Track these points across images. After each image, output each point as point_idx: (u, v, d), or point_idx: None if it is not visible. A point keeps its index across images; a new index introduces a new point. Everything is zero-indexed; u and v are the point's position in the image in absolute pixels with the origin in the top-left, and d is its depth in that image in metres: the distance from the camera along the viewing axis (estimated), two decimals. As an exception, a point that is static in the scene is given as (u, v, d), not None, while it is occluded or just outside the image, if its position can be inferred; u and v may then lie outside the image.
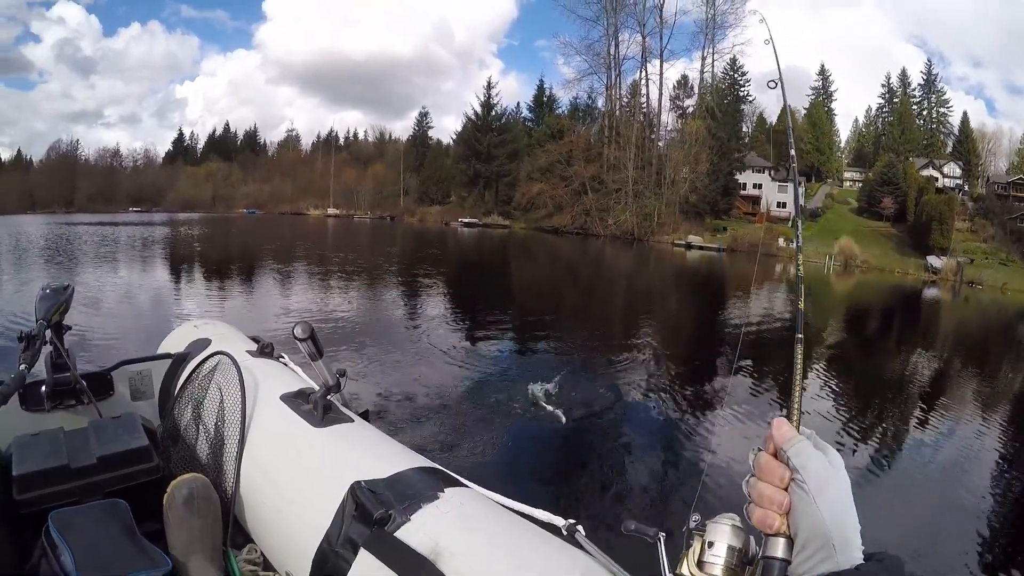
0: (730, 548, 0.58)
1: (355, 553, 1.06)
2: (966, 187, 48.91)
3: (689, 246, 38.63)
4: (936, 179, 46.16)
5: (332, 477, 1.21)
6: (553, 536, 1.07)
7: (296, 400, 1.49)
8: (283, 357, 1.94)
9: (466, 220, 43.86)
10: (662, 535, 0.92)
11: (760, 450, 0.53)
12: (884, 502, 4.21)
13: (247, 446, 1.38)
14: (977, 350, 13.40)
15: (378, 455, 1.31)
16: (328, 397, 1.47)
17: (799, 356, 0.57)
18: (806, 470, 0.49)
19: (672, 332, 10.73)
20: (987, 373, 10.25)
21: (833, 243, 39.37)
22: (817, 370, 8.36)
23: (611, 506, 3.48)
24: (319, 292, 10.60)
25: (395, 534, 1.03)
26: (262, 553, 1.35)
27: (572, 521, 1.10)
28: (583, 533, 1.06)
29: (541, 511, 1.17)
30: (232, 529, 1.33)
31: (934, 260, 38.11)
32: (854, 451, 5.15)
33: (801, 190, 44.03)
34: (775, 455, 0.52)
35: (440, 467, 1.30)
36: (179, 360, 1.96)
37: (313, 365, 1.53)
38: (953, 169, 48.75)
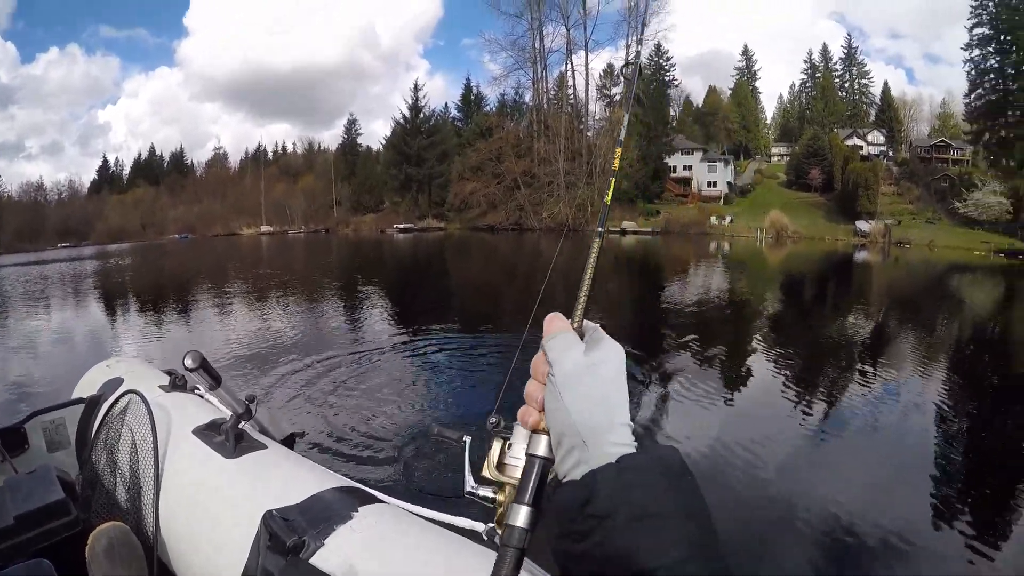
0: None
1: None
2: (890, 153, 50.61)
3: (624, 232, 38.75)
4: (861, 147, 47.80)
5: (246, 508, 1.19)
6: (471, 543, 1.08)
7: (208, 432, 1.46)
8: (198, 389, 1.86)
9: (401, 226, 42.97)
10: (467, 439, 0.91)
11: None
12: (834, 458, 4.25)
13: (163, 486, 1.35)
14: (911, 306, 13.48)
15: (292, 480, 1.29)
16: (241, 425, 1.44)
17: (595, 249, 0.55)
18: (556, 363, 0.47)
19: (607, 314, 10.20)
20: (922, 326, 10.29)
21: (764, 217, 40.20)
22: (758, 338, 8.36)
23: None
24: (251, 314, 9.91)
25: (310, 561, 1.03)
26: None
27: (492, 525, 0.85)
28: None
29: (462, 519, 1.18)
30: (157, 573, 1.29)
31: (862, 224, 39.32)
32: (804, 413, 5.06)
33: (730, 168, 45.34)
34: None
35: (357, 485, 1.30)
36: (92, 404, 1.90)
37: (214, 395, 1.47)
38: (877, 137, 50.42)
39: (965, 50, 41.18)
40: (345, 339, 7.61)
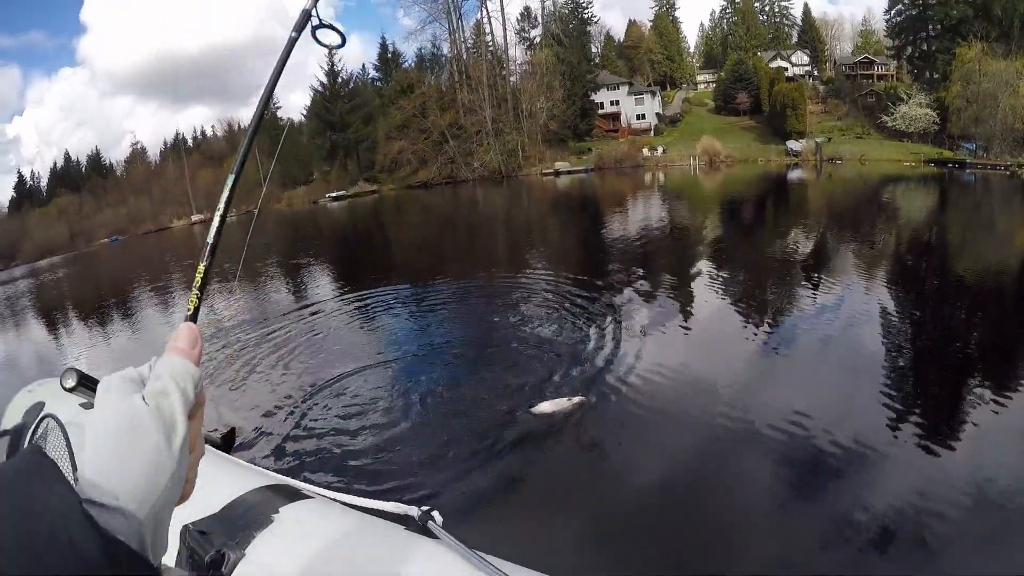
0: None
1: None
2: (815, 72, 51.33)
3: (558, 173, 38.75)
4: (786, 69, 48.32)
5: None
6: (402, 529, 1.06)
7: None
8: None
9: (333, 194, 41.87)
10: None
11: None
12: (789, 370, 4.32)
13: None
14: (849, 219, 13.92)
15: (213, 486, 1.20)
16: None
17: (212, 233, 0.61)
18: None
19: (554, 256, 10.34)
20: (861, 238, 10.55)
21: (696, 144, 40.36)
22: (705, 264, 8.43)
23: (471, 482, 3.09)
24: (184, 309, 9.10)
25: (232, 575, 0.98)
26: None
27: (426, 508, 1.09)
28: (438, 520, 1.06)
29: (392, 503, 1.16)
30: None
31: (793, 144, 40.04)
32: (756, 330, 5.10)
33: (658, 99, 45.22)
34: None
35: (283, 481, 1.25)
36: (16, 434, 1.21)
37: None
38: (801, 57, 50.98)
39: (884, -33, 41.48)
40: (286, 324, 7.13)
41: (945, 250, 9.74)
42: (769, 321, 5.50)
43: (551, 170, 39.04)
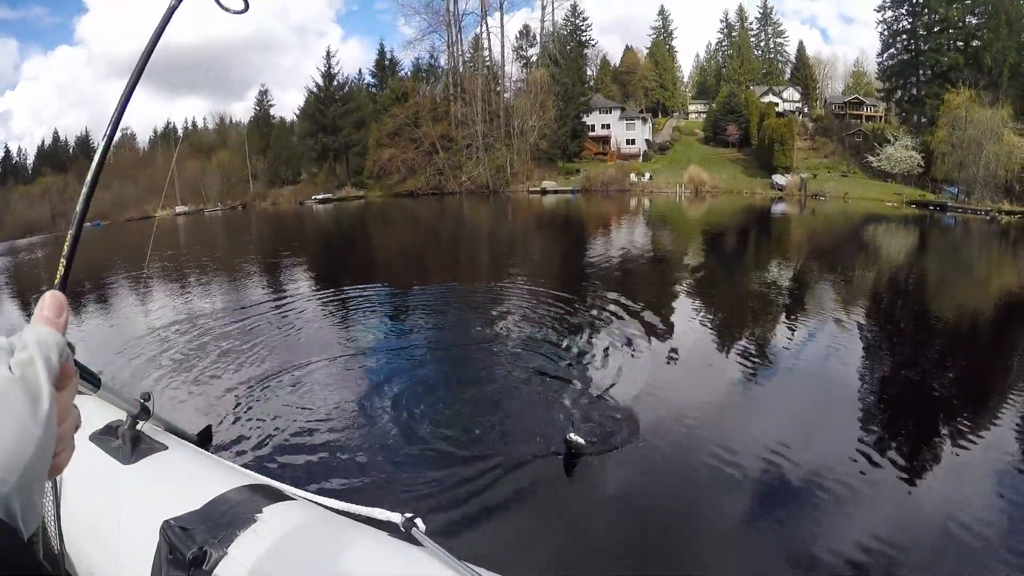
0: None
1: None
2: (805, 109, 52.19)
3: (544, 191, 39.01)
4: (776, 104, 48.96)
5: (145, 519, 1.09)
6: (387, 536, 1.05)
7: (105, 437, 1.34)
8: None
9: (320, 196, 41.68)
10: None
11: None
12: (763, 400, 4.36)
13: (63, 501, 1.19)
14: (829, 254, 14.04)
15: (194, 482, 1.21)
16: (139, 426, 1.34)
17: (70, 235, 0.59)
18: None
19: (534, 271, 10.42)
20: (840, 274, 10.66)
21: (683, 173, 40.85)
22: (684, 290, 8.41)
23: (454, 491, 3.08)
24: (167, 300, 9.03)
25: (214, 573, 0.95)
26: None
27: (410, 515, 1.08)
28: (421, 527, 1.06)
29: (377, 510, 1.15)
30: None
31: (779, 178, 40.65)
32: (732, 360, 5.14)
33: (648, 125, 45.77)
34: None
35: (266, 482, 1.23)
36: None
37: (99, 397, 1.28)
38: (792, 94, 51.89)
39: (878, 11, 42.62)
40: (267, 321, 7.02)
41: (921, 290, 9.90)
42: (745, 350, 5.56)
43: (538, 188, 39.33)
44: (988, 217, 27.41)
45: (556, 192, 38.74)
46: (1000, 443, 3.66)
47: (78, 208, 0.54)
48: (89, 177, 0.65)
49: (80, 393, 1.58)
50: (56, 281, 0.55)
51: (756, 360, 5.25)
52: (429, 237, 19.51)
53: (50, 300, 0.48)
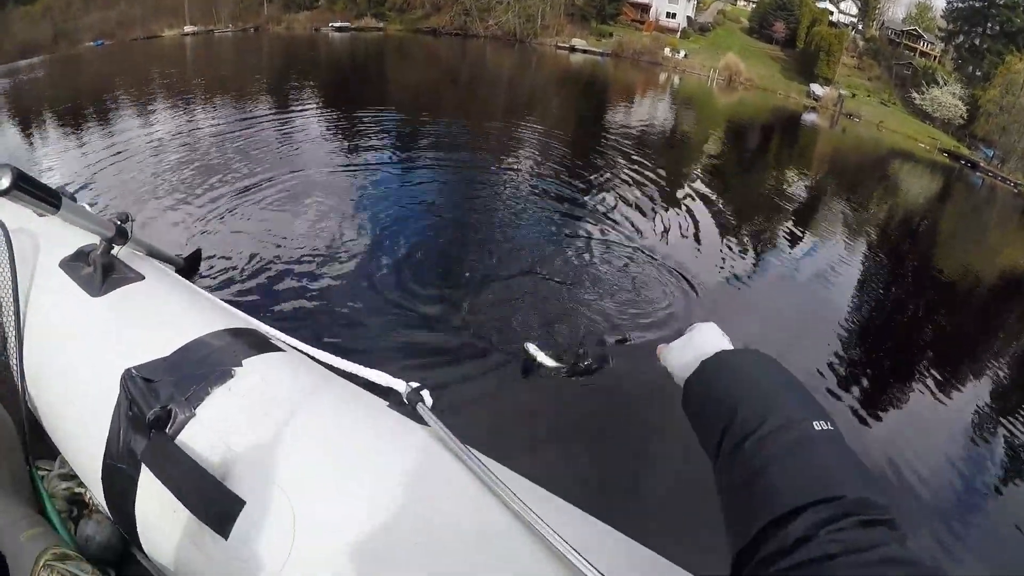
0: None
1: (139, 469, 0.82)
2: (860, 26, 49.30)
3: (573, 49, 37.03)
4: (832, 13, 46.26)
5: (106, 365, 0.93)
6: (384, 404, 0.93)
7: (75, 264, 1.15)
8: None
9: (337, 24, 39.47)
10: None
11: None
12: (752, 301, 4.35)
13: (26, 333, 1.08)
14: (850, 178, 13.41)
15: (168, 322, 1.03)
16: (114, 251, 1.15)
17: None
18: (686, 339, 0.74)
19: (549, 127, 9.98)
20: (856, 200, 10.40)
21: (719, 58, 38.90)
22: (696, 179, 8.11)
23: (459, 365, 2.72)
24: (168, 127, 8.39)
25: (177, 439, 0.81)
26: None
27: (416, 385, 0.94)
28: (428, 401, 0.93)
29: (378, 372, 1.02)
30: (31, 439, 1.06)
31: (817, 88, 39.14)
32: (728, 254, 5.09)
33: (693, 2, 43.06)
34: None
35: (253, 325, 1.09)
36: None
37: (59, 217, 1.10)
38: (850, 6, 48.90)
39: (963, -56, 39.22)
40: (276, 151, 6.48)
41: (930, 237, 9.75)
42: (742, 248, 5.46)
43: (567, 45, 37.40)
44: (1016, 189, 26.69)
45: (585, 52, 36.82)
46: (967, 401, 3.75)
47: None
48: None
49: (41, 215, 1.17)
50: None
51: (745, 263, 5.11)
52: (447, 77, 18.91)
53: None
